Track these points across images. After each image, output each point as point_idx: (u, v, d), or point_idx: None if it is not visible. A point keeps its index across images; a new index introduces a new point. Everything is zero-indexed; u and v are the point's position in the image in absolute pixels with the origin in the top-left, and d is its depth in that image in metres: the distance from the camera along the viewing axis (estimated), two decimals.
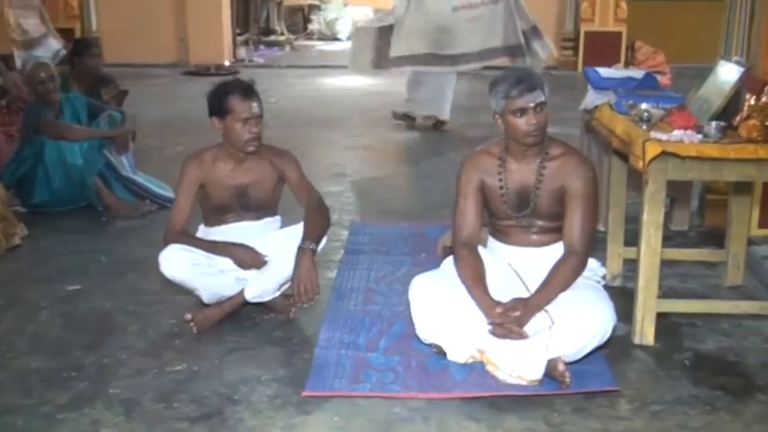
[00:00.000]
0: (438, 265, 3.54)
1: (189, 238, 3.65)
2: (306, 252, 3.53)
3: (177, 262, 3.55)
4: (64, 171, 5.25)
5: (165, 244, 3.63)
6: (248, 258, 3.61)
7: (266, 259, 3.64)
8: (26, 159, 5.30)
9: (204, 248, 3.62)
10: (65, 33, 9.28)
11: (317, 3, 15.95)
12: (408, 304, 3.36)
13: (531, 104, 3.19)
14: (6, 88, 6.99)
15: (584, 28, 11.80)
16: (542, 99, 3.21)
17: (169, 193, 5.25)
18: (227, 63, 12.48)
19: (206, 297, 3.66)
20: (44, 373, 3.27)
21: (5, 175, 5.27)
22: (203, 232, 3.79)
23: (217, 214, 3.76)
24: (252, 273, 3.65)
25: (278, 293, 3.71)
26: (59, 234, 4.95)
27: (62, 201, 5.30)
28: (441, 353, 3.28)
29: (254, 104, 3.61)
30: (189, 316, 3.61)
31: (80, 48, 6.19)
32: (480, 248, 3.39)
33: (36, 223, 5.03)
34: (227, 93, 3.60)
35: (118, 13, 12.01)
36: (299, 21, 16.09)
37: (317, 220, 3.65)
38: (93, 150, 5.30)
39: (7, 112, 6.86)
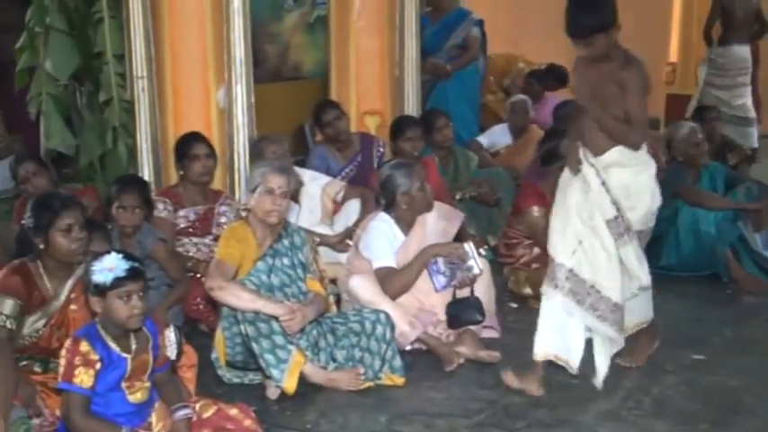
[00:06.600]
0: None
1: None
2: None
3: None
4: (695, 237, 5.30)
5: None
6: None
7: None
8: (660, 221, 5.45)
9: None
10: None
11: None
12: None
13: None
14: None
15: None
16: None
17: None
18: None
19: None
20: None
21: None
22: None
23: None
24: None
25: None
26: (684, 299, 4.99)
27: (688, 266, 5.35)
28: None
29: None
30: None
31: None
32: None
33: (662, 285, 5.13)
34: None
35: None
36: None
37: None
38: (727, 221, 5.26)
39: None
